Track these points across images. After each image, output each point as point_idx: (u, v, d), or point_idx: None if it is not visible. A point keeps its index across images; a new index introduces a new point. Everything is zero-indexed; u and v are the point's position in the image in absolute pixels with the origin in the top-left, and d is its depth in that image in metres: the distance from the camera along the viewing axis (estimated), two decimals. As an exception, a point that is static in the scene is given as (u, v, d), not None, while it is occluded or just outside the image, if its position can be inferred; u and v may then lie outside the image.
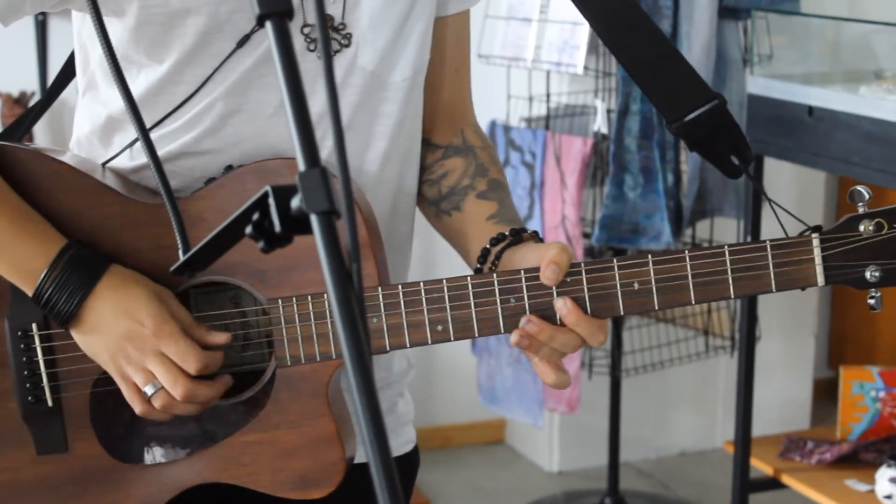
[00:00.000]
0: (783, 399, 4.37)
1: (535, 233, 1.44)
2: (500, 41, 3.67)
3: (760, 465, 3.35)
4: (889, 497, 3.08)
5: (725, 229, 3.82)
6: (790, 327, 4.32)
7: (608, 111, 3.56)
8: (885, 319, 4.52)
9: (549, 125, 3.73)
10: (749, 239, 3.20)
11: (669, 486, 4.13)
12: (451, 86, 1.58)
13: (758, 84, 3.17)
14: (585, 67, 3.47)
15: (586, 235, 3.62)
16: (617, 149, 3.47)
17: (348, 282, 0.87)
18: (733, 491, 3.32)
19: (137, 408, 1.39)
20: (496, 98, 3.91)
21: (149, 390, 1.37)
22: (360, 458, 1.46)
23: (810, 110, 2.99)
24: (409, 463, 1.63)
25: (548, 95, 3.78)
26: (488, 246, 1.44)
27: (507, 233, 1.44)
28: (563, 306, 1.35)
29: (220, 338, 1.39)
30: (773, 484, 3.34)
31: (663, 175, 3.47)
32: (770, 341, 4.22)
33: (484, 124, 3.80)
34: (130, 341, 1.36)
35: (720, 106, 1.45)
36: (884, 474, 3.11)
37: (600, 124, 3.56)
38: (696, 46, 3.42)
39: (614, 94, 3.57)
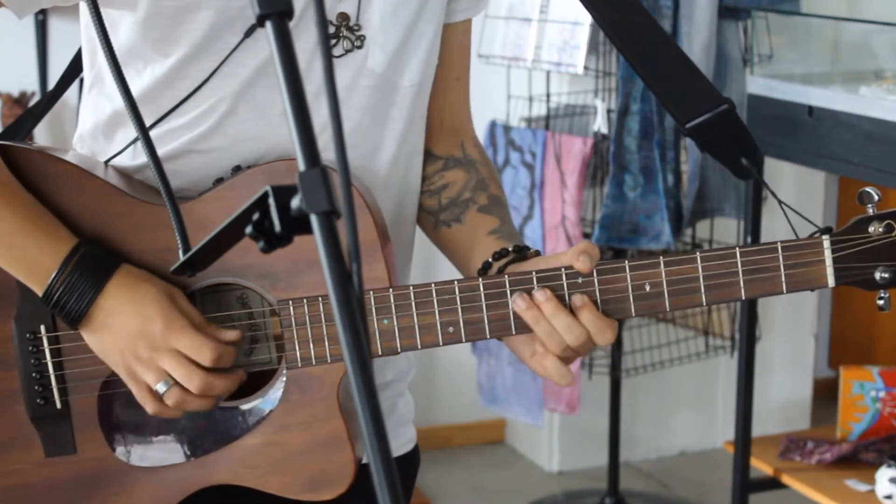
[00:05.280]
0: (783, 399, 4.37)
1: (538, 251, 1.44)
2: (500, 41, 3.67)
3: (760, 465, 3.35)
4: (889, 497, 3.08)
5: (725, 229, 3.82)
6: (790, 327, 4.32)
7: (608, 111, 3.56)
8: (885, 319, 4.52)
9: (549, 125, 3.73)
10: (749, 239, 3.20)
11: (669, 486, 4.13)
12: (452, 95, 1.57)
13: (758, 84, 3.17)
14: (585, 67, 3.47)
15: (586, 235, 3.62)
16: (617, 149, 3.47)
17: (348, 282, 0.87)
18: (733, 491, 3.32)
19: (149, 407, 1.38)
20: (496, 98, 3.91)
21: (161, 388, 1.36)
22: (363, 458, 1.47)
23: (810, 110, 2.99)
24: (410, 462, 1.63)
25: (548, 95, 3.78)
26: (490, 260, 1.44)
27: (510, 248, 1.44)
28: (578, 299, 1.35)
29: (231, 335, 1.38)
30: (773, 484, 3.34)
31: (663, 175, 3.47)
32: (770, 341, 4.23)
33: (484, 124, 3.80)
34: (141, 339, 1.36)
35: (729, 110, 1.45)
36: (884, 474, 3.11)
37: (600, 124, 3.56)
38: (696, 46, 3.42)
39: (614, 94, 3.56)
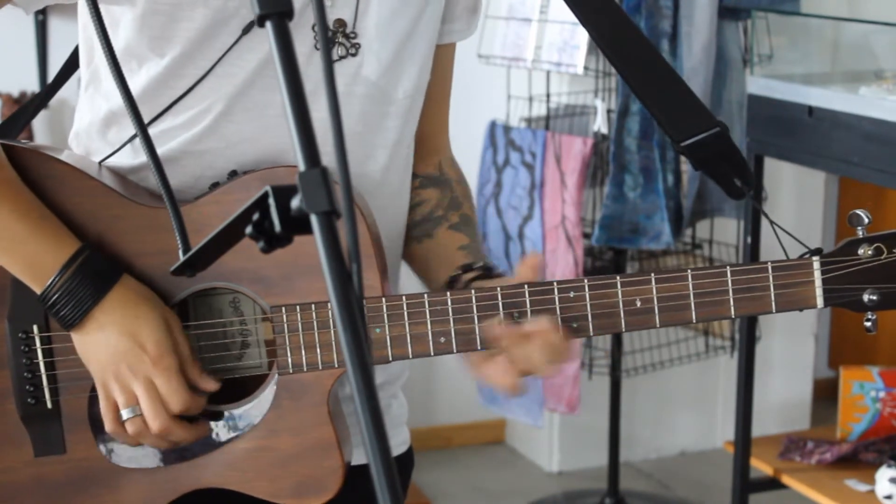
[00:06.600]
0: (783, 399, 4.37)
1: (502, 273, 1.46)
2: (500, 41, 3.67)
3: (760, 466, 3.35)
4: (889, 497, 3.08)
5: (725, 229, 3.82)
6: (790, 327, 4.32)
7: (608, 111, 3.56)
8: (886, 319, 4.51)
9: (549, 125, 3.73)
10: (749, 240, 3.21)
11: (669, 486, 4.13)
12: (435, 115, 1.59)
13: (758, 84, 3.17)
14: (585, 67, 3.47)
15: (586, 235, 3.62)
16: (617, 149, 3.47)
17: (348, 282, 0.87)
18: (733, 491, 3.32)
19: (108, 425, 1.39)
20: (496, 98, 3.91)
21: (126, 413, 1.37)
22: (358, 459, 1.47)
23: (810, 110, 2.99)
24: (404, 464, 1.63)
25: (548, 95, 3.78)
26: (459, 273, 1.45)
27: (477, 264, 1.46)
28: (530, 326, 1.36)
29: (210, 385, 1.39)
30: (773, 484, 3.34)
31: (663, 175, 3.48)
32: (770, 341, 4.22)
33: (484, 124, 3.80)
34: (126, 360, 1.36)
35: (721, 133, 1.47)
36: (884, 474, 3.11)
37: (600, 124, 3.56)
38: (696, 46, 3.42)
39: (614, 94, 3.57)
